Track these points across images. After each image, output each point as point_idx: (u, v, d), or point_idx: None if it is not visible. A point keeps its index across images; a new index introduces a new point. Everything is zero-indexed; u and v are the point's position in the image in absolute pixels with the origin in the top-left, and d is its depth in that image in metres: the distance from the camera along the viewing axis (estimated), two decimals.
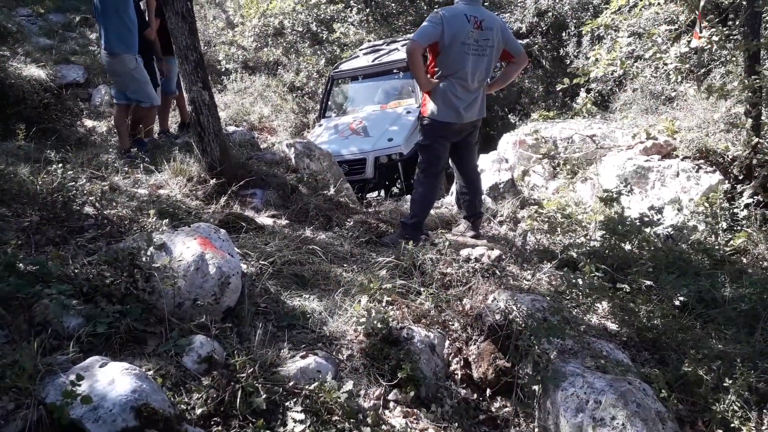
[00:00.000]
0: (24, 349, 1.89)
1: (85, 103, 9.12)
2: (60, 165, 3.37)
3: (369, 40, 11.60)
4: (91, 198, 3.23)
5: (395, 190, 7.10)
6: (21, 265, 2.35)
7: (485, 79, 4.17)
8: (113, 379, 1.82)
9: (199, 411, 1.97)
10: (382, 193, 7.47)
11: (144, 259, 2.50)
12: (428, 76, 4.12)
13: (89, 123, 7.37)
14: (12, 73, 6.26)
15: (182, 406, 1.98)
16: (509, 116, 10.61)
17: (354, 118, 8.27)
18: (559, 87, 7.35)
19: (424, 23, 3.93)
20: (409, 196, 5.76)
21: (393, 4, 12.96)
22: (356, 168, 7.10)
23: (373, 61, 8.78)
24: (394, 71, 8.62)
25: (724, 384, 2.44)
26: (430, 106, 4.11)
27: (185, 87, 4.44)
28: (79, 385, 1.74)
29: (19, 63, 7.19)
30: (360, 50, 9.90)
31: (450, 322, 2.99)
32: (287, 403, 2.12)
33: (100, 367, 1.88)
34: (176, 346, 2.23)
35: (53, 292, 2.20)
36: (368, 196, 5.70)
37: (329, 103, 9.06)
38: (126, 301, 2.36)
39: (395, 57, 8.63)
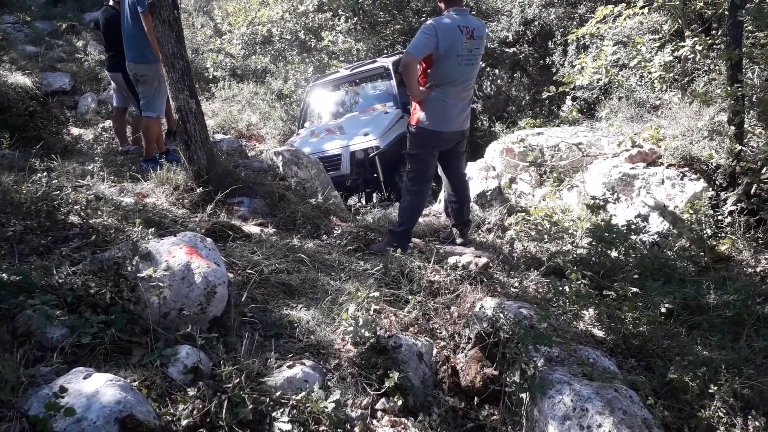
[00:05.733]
0: (6, 361, 1.86)
1: (72, 111, 9.06)
2: (45, 173, 3.34)
3: (357, 49, 11.66)
4: (76, 207, 3.20)
5: (375, 195, 7.07)
6: (4, 275, 2.33)
7: (473, 85, 4.21)
8: (97, 391, 1.80)
9: (184, 422, 1.95)
10: (363, 196, 7.48)
11: (129, 268, 2.48)
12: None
13: (75, 131, 7.31)
14: None
15: (168, 417, 1.96)
16: (496, 124, 10.66)
17: (331, 123, 8.34)
18: (545, 95, 7.42)
19: (419, 35, 3.92)
20: (397, 203, 5.77)
21: (381, 13, 13.00)
22: (332, 164, 7.08)
23: (351, 71, 8.89)
24: (372, 79, 8.71)
25: (710, 390, 2.45)
26: (420, 115, 4.12)
27: (172, 95, 4.43)
28: (63, 397, 1.72)
29: (4, 70, 7.11)
30: (342, 67, 10.03)
31: (438, 330, 3.00)
32: (274, 414, 2.11)
33: (84, 378, 1.86)
34: (162, 357, 2.21)
35: (37, 303, 2.18)
36: (350, 201, 5.68)
37: (309, 114, 9.14)
38: (111, 311, 2.34)
39: (372, 66, 8.71)
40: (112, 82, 6.57)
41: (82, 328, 2.19)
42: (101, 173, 4.41)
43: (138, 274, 2.44)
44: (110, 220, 3.30)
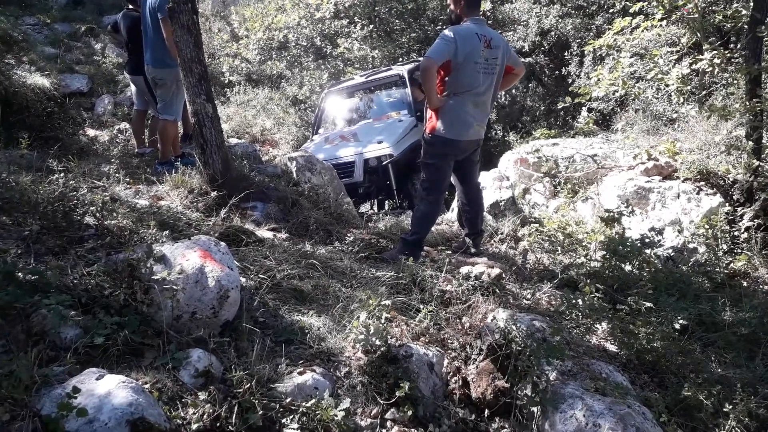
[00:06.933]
0: (21, 360, 1.87)
1: (88, 113, 9.16)
2: (62, 174, 3.37)
3: (373, 56, 11.71)
4: (91, 208, 3.22)
5: (388, 203, 7.08)
6: (20, 274, 2.34)
7: (492, 96, 4.21)
8: (109, 392, 1.80)
9: (195, 426, 1.95)
10: (375, 203, 7.48)
11: (143, 270, 2.49)
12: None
13: (92, 132, 7.39)
14: (16, 82, 6.26)
15: (178, 420, 1.96)
16: (510, 134, 10.64)
17: (345, 130, 8.36)
18: (560, 105, 7.40)
19: (438, 41, 3.95)
20: (410, 212, 5.77)
21: (397, 21, 13.05)
22: (344, 171, 7.09)
23: (366, 79, 8.92)
24: (387, 86, 8.73)
25: (725, 409, 2.42)
26: (437, 124, 4.12)
27: (189, 99, 4.46)
28: (75, 398, 1.73)
29: (23, 71, 7.21)
30: (357, 74, 10.07)
31: (449, 341, 2.98)
32: (284, 420, 2.10)
33: (97, 379, 1.87)
34: (173, 360, 2.21)
35: (52, 303, 2.19)
36: (362, 209, 5.68)
37: (323, 120, 9.17)
38: (124, 313, 2.35)
39: (387, 74, 8.73)
40: (132, 85, 6.64)
41: (95, 329, 2.20)
42: (117, 175, 4.45)
43: (152, 277, 2.45)
44: (125, 222, 3.32)
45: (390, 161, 7.06)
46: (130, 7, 6.32)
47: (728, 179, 5.03)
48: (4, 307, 2.17)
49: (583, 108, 9.25)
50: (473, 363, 2.78)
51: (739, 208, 4.74)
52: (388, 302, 2.84)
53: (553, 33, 12.03)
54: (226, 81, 12.56)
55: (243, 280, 3.01)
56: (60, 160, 4.45)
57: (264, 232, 4.18)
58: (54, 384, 1.88)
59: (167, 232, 3.15)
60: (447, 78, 4.06)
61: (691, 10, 5.54)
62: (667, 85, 6.23)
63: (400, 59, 11.52)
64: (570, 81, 10.96)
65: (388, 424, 2.37)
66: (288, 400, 2.19)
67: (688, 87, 6.06)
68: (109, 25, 8.32)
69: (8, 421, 1.71)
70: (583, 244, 4.41)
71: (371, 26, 12.40)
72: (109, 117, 9.17)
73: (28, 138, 4.99)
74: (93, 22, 13.92)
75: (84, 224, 3.16)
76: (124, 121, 8.67)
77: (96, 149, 6.20)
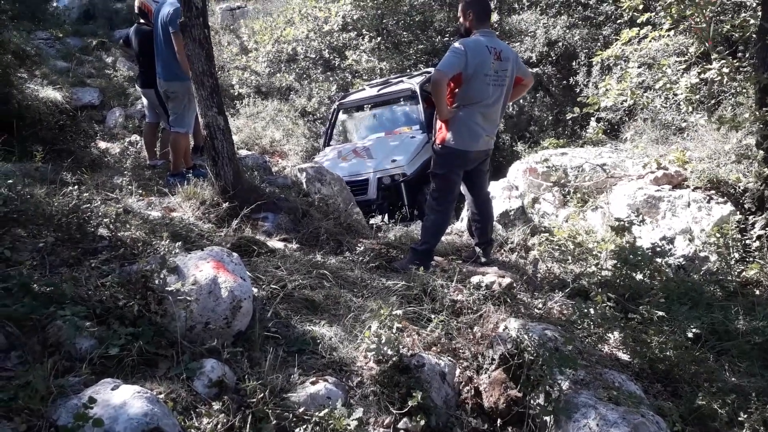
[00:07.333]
0: (37, 371, 1.90)
1: (100, 125, 9.26)
2: (75, 187, 3.41)
3: (381, 68, 11.76)
4: (105, 220, 3.25)
5: (398, 215, 7.12)
6: (35, 286, 2.37)
7: (501, 107, 4.23)
8: (125, 402, 1.82)
9: None
10: (386, 217, 7.51)
11: (157, 281, 2.51)
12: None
13: (103, 144, 7.44)
14: (29, 95, 6.33)
15: (192, 430, 1.97)
16: (518, 144, 10.64)
17: (358, 144, 8.37)
18: (569, 116, 7.40)
19: (448, 54, 3.98)
20: (420, 221, 5.77)
21: (404, 33, 13.12)
22: (359, 189, 7.12)
23: (378, 91, 8.93)
24: (399, 100, 8.75)
25: (739, 418, 2.40)
26: (447, 135, 4.14)
27: (200, 112, 4.49)
28: (91, 408, 1.74)
29: (36, 85, 7.29)
30: (368, 84, 10.09)
31: (461, 350, 2.98)
32: (297, 430, 2.11)
33: (112, 389, 1.89)
34: (187, 370, 2.23)
35: (67, 314, 2.22)
36: (372, 221, 5.71)
37: (334, 132, 9.19)
38: (138, 324, 2.37)
39: (400, 87, 8.74)
40: (144, 98, 6.70)
41: (110, 340, 2.22)
42: (129, 187, 4.48)
43: (166, 288, 2.47)
44: (138, 234, 3.34)
45: (403, 180, 7.10)
46: (142, 21, 6.40)
47: (739, 188, 5.01)
48: (20, 319, 2.20)
49: (592, 118, 9.24)
50: (485, 372, 2.77)
51: (750, 217, 4.71)
52: (399, 312, 2.84)
53: (560, 43, 12.04)
54: (236, 93, 12.65)
55: (255, 290, 3.03)
56: (73, 172, 4.49)
57: (275, 243, 4.20)
58: (70, 394, 1.90)
59: (180, 243, 3.17)
60: (457, 90, 4.09)
61: (699, 21, 5.53)
62: (675, 95, 6.23)
63: (408, 70, 11.57)
64: (578, 91, 10.96)
65: None
66: (301, 410, 2.20)
67: (697, 96, 6.05)
68: (121, 39, 8.43)
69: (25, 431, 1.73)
70: (594, 253, 4.40)
71: (379, 38, 12.47)
72: (120, 129, 9.27)
73: (42, 151, 5.03)
74: (104, 37, 14.13)
75: (98, 236, 3.19)
76: (134, 134, 8.75)
77: (108, 161, 6.25)
